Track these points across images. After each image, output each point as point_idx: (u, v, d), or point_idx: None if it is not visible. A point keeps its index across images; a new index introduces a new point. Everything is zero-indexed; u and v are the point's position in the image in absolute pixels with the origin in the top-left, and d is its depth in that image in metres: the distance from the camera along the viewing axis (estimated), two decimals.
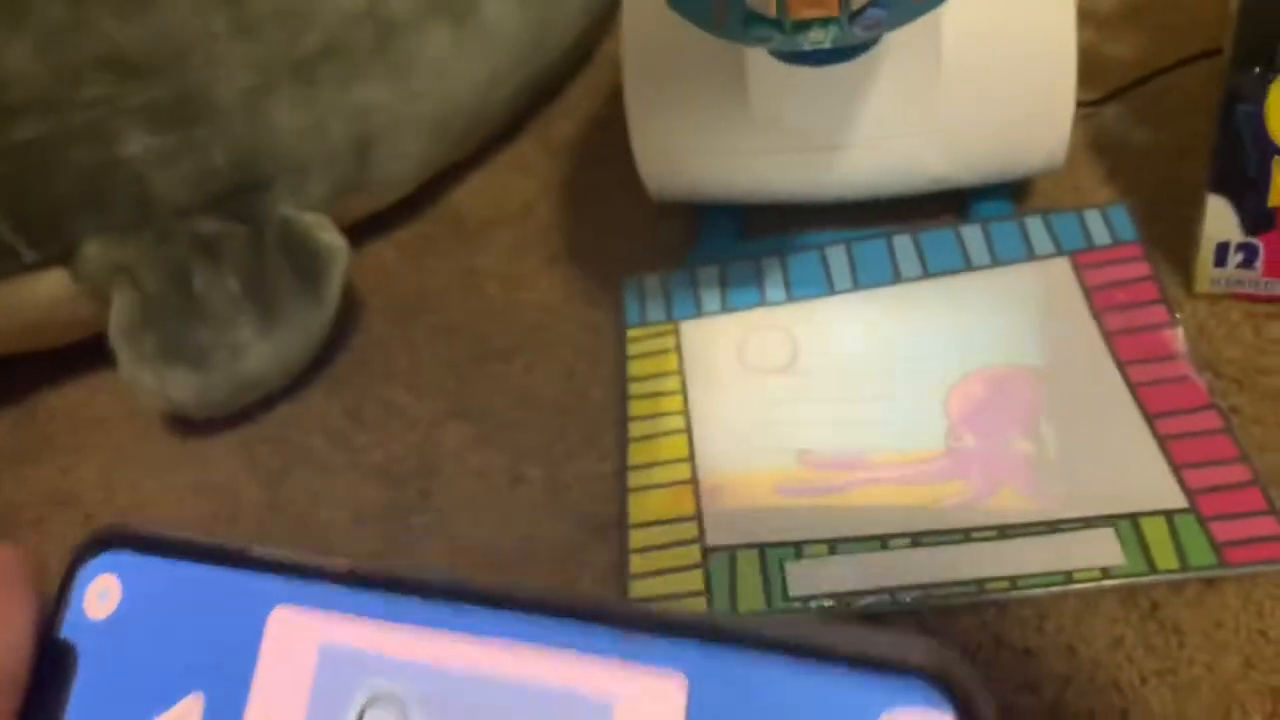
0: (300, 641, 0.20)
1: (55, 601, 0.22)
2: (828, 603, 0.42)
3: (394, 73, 0.55)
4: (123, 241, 0.48)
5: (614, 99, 0.69)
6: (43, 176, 0.46)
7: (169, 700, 0.21)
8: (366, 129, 0.55)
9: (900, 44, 0.46)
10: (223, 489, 0.52)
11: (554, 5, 0.63)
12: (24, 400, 0.59)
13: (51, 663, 0.21)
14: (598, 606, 0.19)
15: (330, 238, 0.52)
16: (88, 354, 0.59)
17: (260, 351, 0.50)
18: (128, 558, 0.22)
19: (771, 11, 0.31)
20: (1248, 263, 0.48)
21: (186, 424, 0.55)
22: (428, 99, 0.57)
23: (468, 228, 0.63)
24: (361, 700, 0.20)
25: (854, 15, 0.32)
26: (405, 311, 0.59)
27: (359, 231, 0.60)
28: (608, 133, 0.67)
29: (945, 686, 0.16)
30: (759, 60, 0.46)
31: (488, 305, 0.58)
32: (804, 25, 0.32)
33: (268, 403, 0.55)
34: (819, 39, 0.33)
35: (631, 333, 0.54)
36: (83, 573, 0.22)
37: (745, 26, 0.33)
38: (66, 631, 0.22)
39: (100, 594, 0.22)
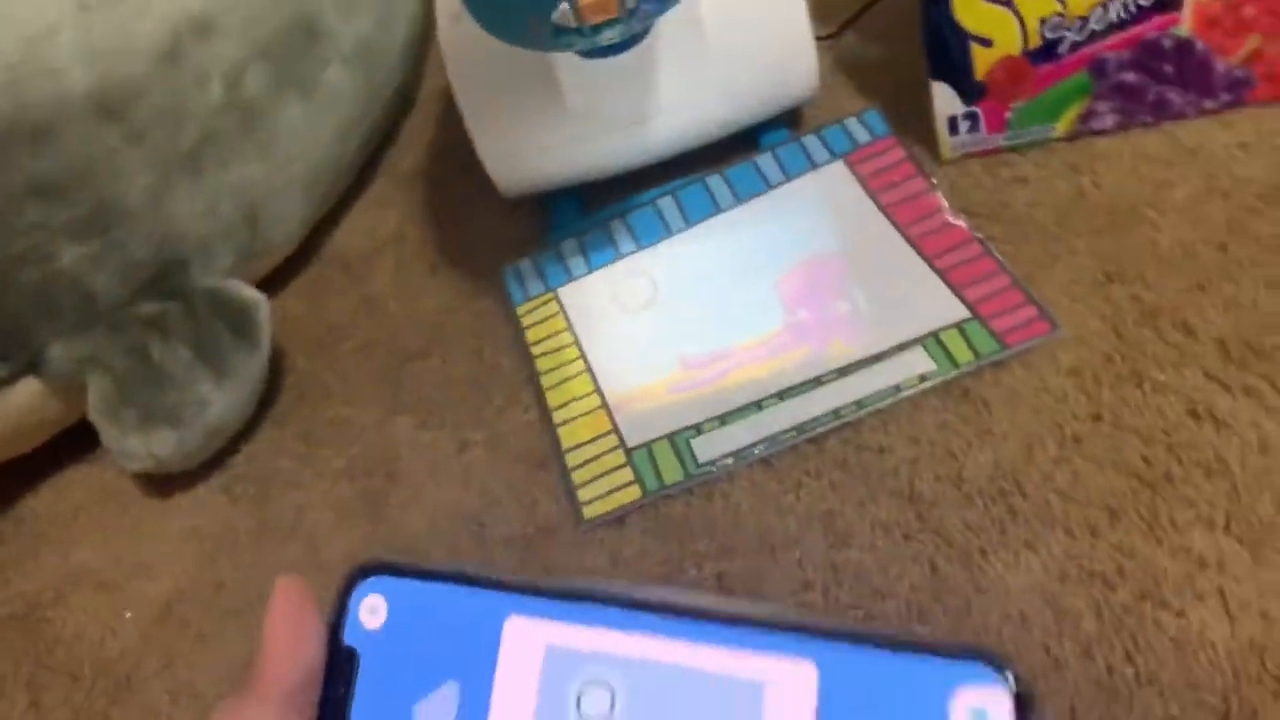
0: (530, 642, 0.27)
1: (335, 615, 0.28)
2: (729, 460, 0.53)
3: (263, 148, 0.64)
4: (81, 338, 0.56)
5: (443, 128, 0.80)
6: (0, 299, 0.54)
7: (431, 687, 0.27)
8: (251, 200, 0.64)
9: (671, 28, 0.58)
10: (215, 525, 0.61)
11: (375, 62, 0.73)
12: (3, 511, 0.66)
13: (341, 661, 0.28)
14: (748, 612, 0.25)
15: (250, 293, 0.61)
16: (49, 457, 0.66)
17: (220, 400, 0.58)
18: (390, 582, 0.28)
19: (572, 22, 0.42)
20: (974, 127, 0.62)
21: (164, 485, 0.63)
22: (294, 164, 0.67)
23: (353, 264, 0.72)
24: (578, 686, 0.26)
25: (631, 12, 0.43)
26: (322, 345, 0.68)
27: (261, 291, 0.69)
28: (446, 157, 0.77)
29: (1006, 672, 0.22)
30: (566, 64, 0.58)
31: (392, 320, 0.68)
32: (598, 28, 0.43)
33: (229, 448, 0.64)
34: (611, 36, 0.44)
35: (520, 309, 0.64)
36: (355, 593, 0.28)
37: (555, 37, 0.44)
38: (348, 639, 0.28)
39: (370, 610, 0.28)
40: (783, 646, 0.25)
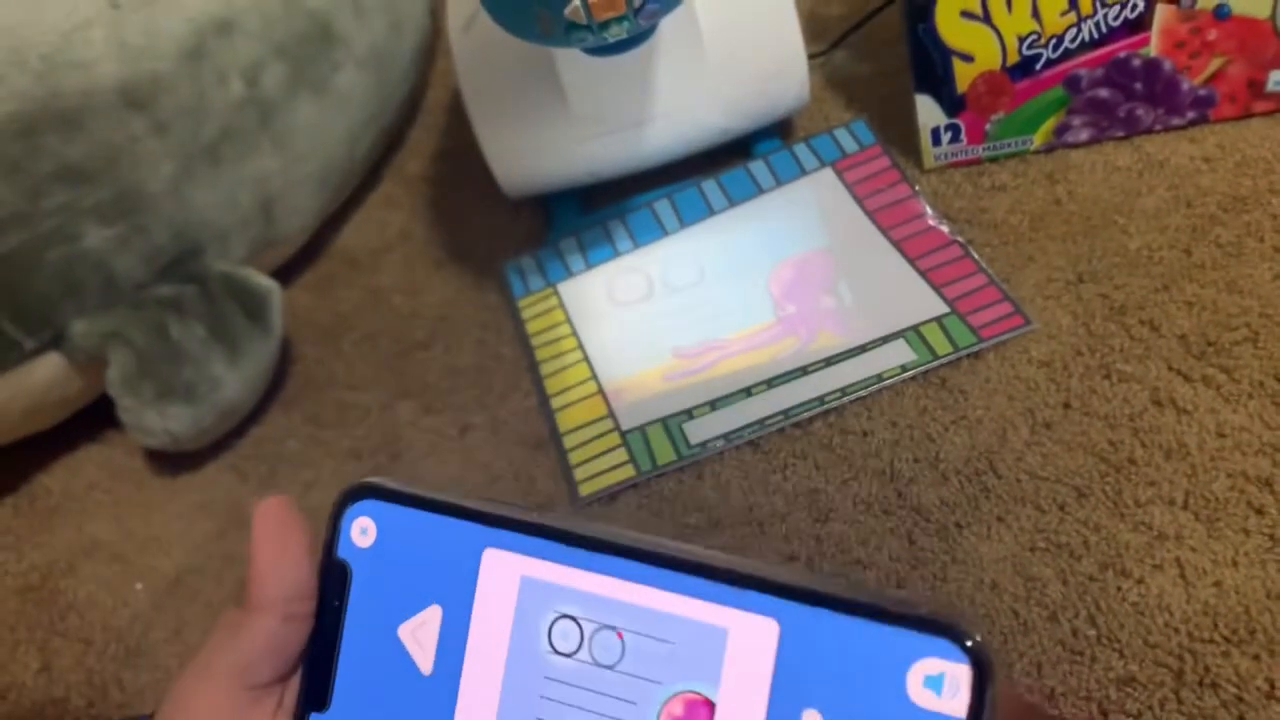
0: (506, 574, 0.28)
1: (329, 532, 0.30)
2: (720, 443, 0.56)
3: (278, 143, 0.67)
4: (103, 316, 0.59)
5: (447, 136, 0.83)
6: (28, 276, 0.57)
7: (417, 608, 0.29)
8: (266, 193, 0.67)
9: (671, 30, 0.61)
10: (223, 501, 0.63)
11: (387, 67, 0.76)
12: (19, 486, 0.68)
13: (335, 574, 0.30)
14: (714, 565, 0.27)
15: (264, 280, 0.64)
16: (63, 437, 0.68)
17: (233, 380, 0.61)
18: (378, 505, 0.30)
19: (582, 19, 0.46)
20: (955, 138, 0.65)
21: (175, 464, 0.65)
22: (308, 160, 0.70)
23: (360, 260, 0.75)
24: (550, 618, 0.28)
25: (637, 10, 0.47)
26: (330, 335, 0.71)
27: None
28: (450, 162, 0.81)
29: (967, 647, 0.23)
30: (570, 67, 0.61)
31: (397, 313, 0.71)
32: (606, 24, 0.46)
33: (238, 431, 0.66)
34: (618, 32, 0.47)
35: (521, 302, 0.67)
36: (347, 515, 0.30)
37: (566, 34, 0.47)
38: (341, 554, 0.30)
39: (361, 530, 0.30)
40: (748, 602, 0.26)
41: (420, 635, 0.29)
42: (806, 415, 0.56)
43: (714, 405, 0.58)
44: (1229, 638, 0.43)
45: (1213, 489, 0.48)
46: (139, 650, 0.57)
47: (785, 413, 0.56)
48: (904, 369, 0.56)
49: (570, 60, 0.60)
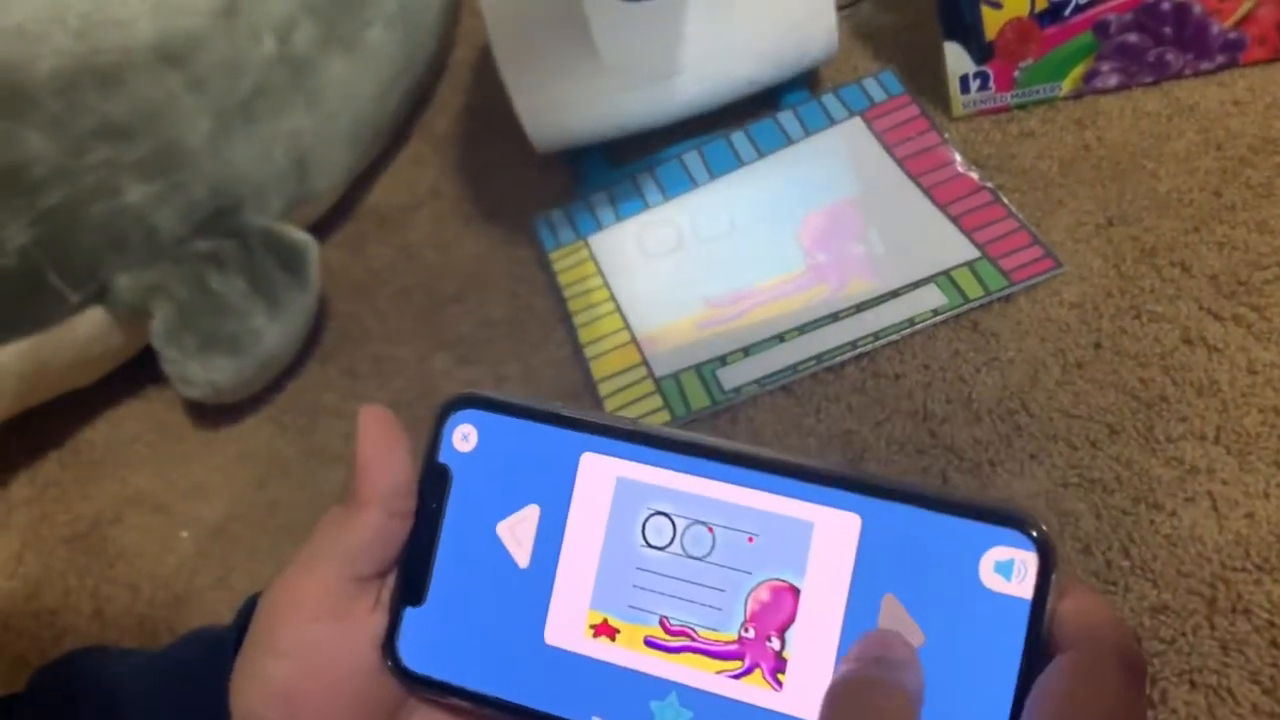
0: (603, 475, 0.30)
1: (431, 437, 0.32)
2: (753, 388, 0.57)
3: (311, 100, 0.68)
4: (146, 270, 0.60)
5: (474, 93, 0.83)
6: (73, 231, 0.58)
7: (515, 507, 0.31)
8: (300, 150, 0.68)
9: None
10: (264, 452, 0.64)
11: (414, 25, 0.77)
12: (63, 441, 0.69)
13: (435, 477, 0.32)
14: (801, 465, 0.29)
15: (301, 235, 0.65)
16: (104, 392, 0.70)
17: (273, 332, 0.62)
18: (479, 414, 0.32)
19: None
20: (984, 86, 0.65)
21: (215, 416, 0.66)
22: (339, 117, 0.70)
23: (391, 218, 0.76)
24: (644, 514, 0.30)
25: None
26: (363, 291, 0.72)
27: None
28: (478, 120, 0.81)
29: (1034, 537, 0.26)
30: (601, 14, 0.61)
31: (429, 268, 0.71)
32: None
33: (275, 385, 0.67)
34: None
35: (552, 255, 0.68)
36: (449, 422, 0.32)
37: None
38: (442, 458, 0.32)
39: (463, 436, 0.32)
40: (833, 498, 0.28)
41: (518, 532, 0.31)
42: (839, 359, 0.57)
43: (747, 351, 0.59)
44: (1261, 566, 0.44)
45: (1244, 424, 0.48)
46: (186, 596, 0.59)
47: (818, 357, 0.57)
48: (935, 313, 0.57)
49: (601, 7, 0.61)
